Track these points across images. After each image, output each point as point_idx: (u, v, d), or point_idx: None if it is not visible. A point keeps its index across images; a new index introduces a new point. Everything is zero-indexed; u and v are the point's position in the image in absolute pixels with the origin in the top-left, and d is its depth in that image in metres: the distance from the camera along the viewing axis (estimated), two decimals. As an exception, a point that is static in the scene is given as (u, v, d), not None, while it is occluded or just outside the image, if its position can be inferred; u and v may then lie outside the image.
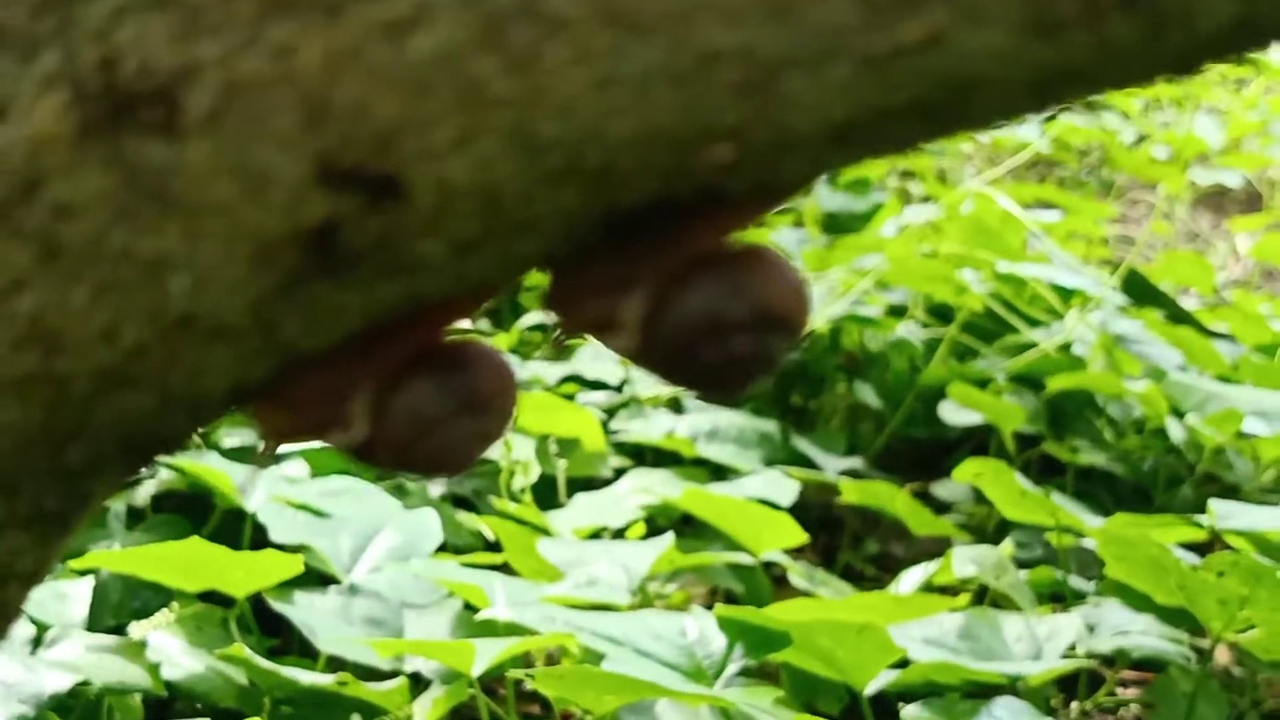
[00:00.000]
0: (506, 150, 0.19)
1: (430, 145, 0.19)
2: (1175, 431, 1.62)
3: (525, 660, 1.14)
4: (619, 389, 1.66)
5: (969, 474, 1.35)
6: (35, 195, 0.19)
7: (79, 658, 1.10)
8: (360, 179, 0.19)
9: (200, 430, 0.22)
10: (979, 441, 1.77)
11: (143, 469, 0.22)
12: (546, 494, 1.36)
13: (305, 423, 0.23)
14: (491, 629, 1.08)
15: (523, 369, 1.63)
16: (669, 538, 1.20)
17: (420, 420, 0.21)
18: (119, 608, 1.23)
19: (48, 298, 0.19)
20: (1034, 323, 1.84)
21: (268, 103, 0.19)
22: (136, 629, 1.15)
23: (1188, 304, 2.23)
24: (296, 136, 0.19)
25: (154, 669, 1.11)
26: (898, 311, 1.85)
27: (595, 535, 1.29)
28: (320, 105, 0.19)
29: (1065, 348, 1.76)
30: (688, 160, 0.19)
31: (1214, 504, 1.35)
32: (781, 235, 2.14)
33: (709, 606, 1.33)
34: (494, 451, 1.40)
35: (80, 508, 0.22)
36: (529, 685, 0.99)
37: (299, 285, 0.20)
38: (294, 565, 1.15)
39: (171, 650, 1.13)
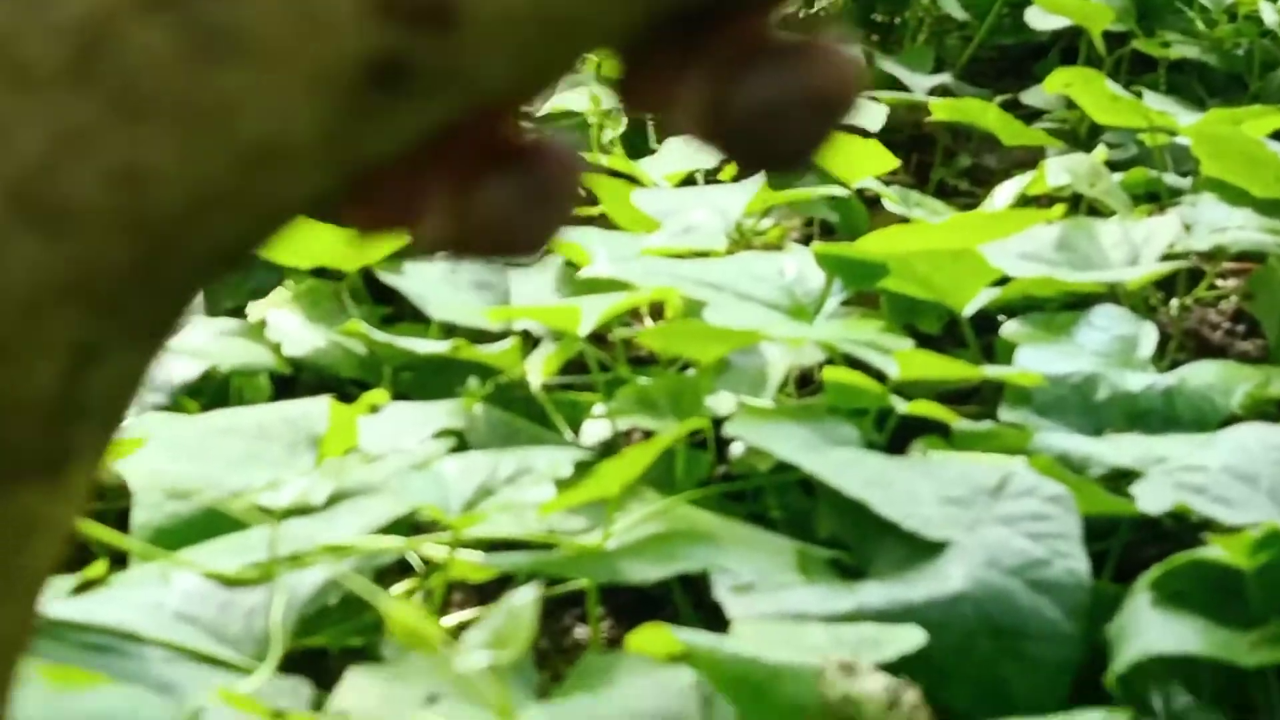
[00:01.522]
0: None
1: None
2: (1269, 15, 1.59)
3: (632, 310, 1.17)
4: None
5: (1059, 84, 1.34)
6: (99, 55, 0.20)
7: (205, 344, 1.14)
8: (414, 9, 0.20)
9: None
10: (1068, 44, 1.74)
11: (233, 270, 0.23)
12: (636, 142, 1.37)
13: (386, 220, 0.24)
14: (595, 284, 1.11)
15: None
16: (760, 175, 1.21)
17: (494, 218, 0.23)
18: (235, 289, 1.27)
19: (125, 143, 0.20)
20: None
21: None
22: (254, 310, 1.18)
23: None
24: None
25: (276, 348, 1.15)
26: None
27: (688, 179, 1.30)
28: None
29: (1153, -63, 1.71)
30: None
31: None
32: None
33: (806, 239, 1.35)
34: (582, 104, 1.39)
35: (177, 314, 0.23)
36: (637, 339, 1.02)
37: (362, 110, 0.21)
38: (402, 236, 1.17)
39: (290, 327, 1.17)
